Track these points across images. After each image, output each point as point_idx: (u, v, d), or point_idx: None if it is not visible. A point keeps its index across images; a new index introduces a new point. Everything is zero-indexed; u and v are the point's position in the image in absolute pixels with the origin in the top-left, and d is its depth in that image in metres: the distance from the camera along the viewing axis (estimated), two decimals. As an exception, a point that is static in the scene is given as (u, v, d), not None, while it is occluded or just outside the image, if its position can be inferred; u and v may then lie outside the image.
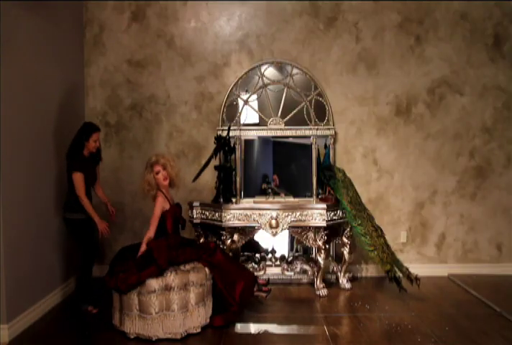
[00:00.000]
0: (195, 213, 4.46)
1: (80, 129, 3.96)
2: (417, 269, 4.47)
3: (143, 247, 3.61)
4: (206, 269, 3.66)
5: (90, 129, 3.94)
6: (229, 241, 4.32)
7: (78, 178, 3.82)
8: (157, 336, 3.39)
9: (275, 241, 4.76)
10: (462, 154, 4.95)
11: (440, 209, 4.97)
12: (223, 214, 4.28)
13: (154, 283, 3.40)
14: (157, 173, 3.79)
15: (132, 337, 3.41)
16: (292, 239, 4.92)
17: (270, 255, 4.78)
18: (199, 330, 3.52)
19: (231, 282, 3.69)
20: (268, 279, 3.87)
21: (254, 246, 4.89)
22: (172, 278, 3.45)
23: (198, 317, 3.53)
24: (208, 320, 3.60)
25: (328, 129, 4.81)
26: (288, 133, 4.81)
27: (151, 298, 3.38)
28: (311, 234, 4.37)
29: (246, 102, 4.84)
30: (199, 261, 3.69)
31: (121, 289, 3.40)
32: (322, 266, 4.35)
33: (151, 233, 3.69)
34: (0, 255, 3.34)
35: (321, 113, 4.83)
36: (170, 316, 3.42)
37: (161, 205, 3.77)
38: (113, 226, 4.42)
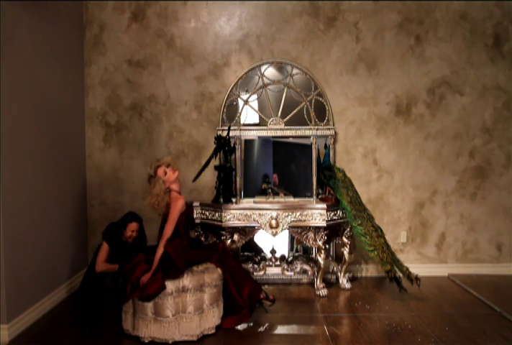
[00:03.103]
0: (196, 213, 4.46)
1: (123, 216, 4.21)
2: (417, 269, 4.48)
3: (160, 250, 3.49)
4: (219, 270, 3.64)
5: (126, 218, 4.14)
6: (229, 241, 4.32)
7: (103, 248, 4.06)
8: (173, 338, 3.34)
9: (275, 241, 4.76)
10: (462, 154, 4.95)
11: (440, 209, 4.97)
12: (223, 214, 4.28)
13: (170, 285, 3.36)
14: (165, 174, 3.73)
15: (147, 341, 3.35)
16: (292, 239, 4.92)
17: (270, 255, 4.78)
18: (214, 330, 3.50)
19: (239, 283, 3.67)
20: (274, 299, 3.89)
21: (254, 247, 4.90)
22: (189, 280, 3.41)
23: (213, 317, 3.51)
24: (219, 321, 3.56)
25: (328, 129, 4.81)
26: (287, 133, 4.81)
27: (168, 301, 3.34)
28: (311, 234, 4.37)
29: (246, 102, 4.84)
30: (211, 262, 3.68)
31: (148, 298, 3.33)
32: (322, 266, 4.35)
33: (168, 236, 3.57)
34: (0, 255, 3.34)
35: (321, 113, 4.83)
36: (187, 318, 3.38)
37: (181, 209, 3.65)
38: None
